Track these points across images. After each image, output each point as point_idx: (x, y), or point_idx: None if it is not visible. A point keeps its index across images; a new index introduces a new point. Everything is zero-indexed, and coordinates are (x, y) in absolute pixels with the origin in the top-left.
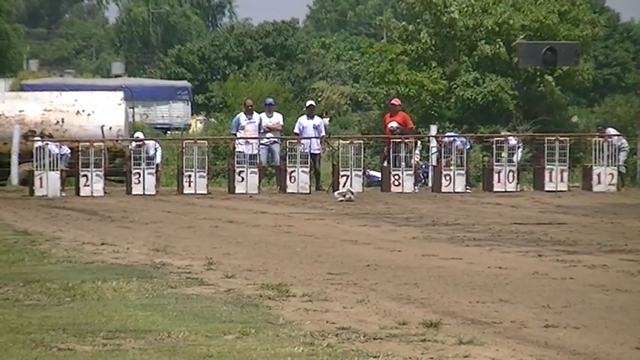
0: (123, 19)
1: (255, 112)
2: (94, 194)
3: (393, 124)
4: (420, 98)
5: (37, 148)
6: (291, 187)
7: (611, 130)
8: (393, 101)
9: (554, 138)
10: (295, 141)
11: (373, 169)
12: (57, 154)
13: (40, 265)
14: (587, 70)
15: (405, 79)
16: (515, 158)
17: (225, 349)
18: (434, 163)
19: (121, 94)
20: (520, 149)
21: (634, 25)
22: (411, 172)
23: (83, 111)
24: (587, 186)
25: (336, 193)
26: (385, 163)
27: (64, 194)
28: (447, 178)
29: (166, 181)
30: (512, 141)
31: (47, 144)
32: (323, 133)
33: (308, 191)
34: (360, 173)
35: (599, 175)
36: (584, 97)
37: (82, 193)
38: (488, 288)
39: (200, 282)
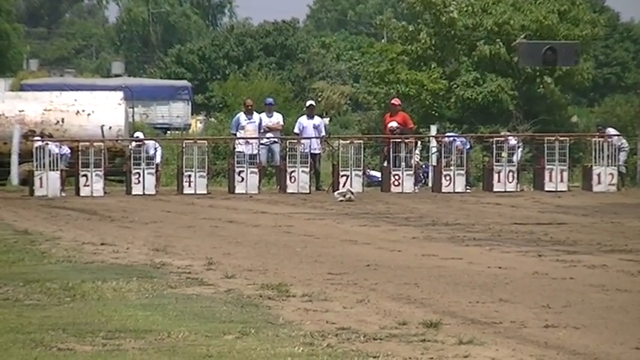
0: (123, 18)
1: (255, 112)
2: (94, 194)
3: (393, 124)
4: (420, 98)
5: (37, 148)
6: (291, 187)
7: (611, 130)
8: (393, 101)
9: (554, 138)
10: (295, 141)
11: (373, 169)
12: (57, 153)
13: (40, 264)
14: (587, 69)
15: (405, 78)
16: (515, 158)
17: (225, 349)
18: (434, 163)
19: (120, 94)
20: (520, 149)
21: (634, 24)
22: (411, 172)
23: (83, 111)
24: (587, 186)
25: (336, 193)
26: (385, 163)
27: (64, 194)
28: (447, 178)
29: (166, 181)
30: (512, 141)
31: (47, 144)
32: (323, 133)
33: (308, 191)
34: (360, 173)
35: (599, 175)
36: (584, 96)
37: (81, 193)
38: (488, 288)
39: (200, 282)
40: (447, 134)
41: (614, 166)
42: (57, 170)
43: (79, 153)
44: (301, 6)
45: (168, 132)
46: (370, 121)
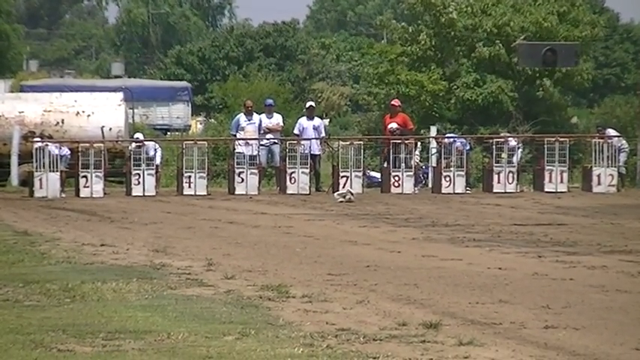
0: (123, 19)
1: (255, 113)
2: (94, 195)
3: (393, 125)
4: (420, 99)
5: (36, 149)
6: (291, 188)
7: (611, 131)
8: (392, 102)
9: (554, 139)
10: (295, 142)
11: (373, 170)
12: (57, 155)
13: (39, 265)
14: (586, 70)
15: (405, 79)
16: (514, 159)
17: (225, 350)
18: (434, 164)
19: (120, 95)
20: (520, 150)
21: (634, 25)
22: (411, 173)
23: (83, 112)
24: (587, 187)
25: (335, 194)
26: (385, 164)
27: (63, 195)
28: (447, 179)
29: (166, 182)
30: (512, 142)
31: (47, 145)
32: (323, 134)
33: (308, 192)
34: (360, 174)
35: (599, 175)
36: (584, 97)
37: (81, 194)
38: (488, 289)
39: (200, 283)
40: (446, 135)
41: (614, 167)
42: (57, 171)
43: (79, 154)
44: (301, 7)
45: (168, 133)
46: (370, 122)
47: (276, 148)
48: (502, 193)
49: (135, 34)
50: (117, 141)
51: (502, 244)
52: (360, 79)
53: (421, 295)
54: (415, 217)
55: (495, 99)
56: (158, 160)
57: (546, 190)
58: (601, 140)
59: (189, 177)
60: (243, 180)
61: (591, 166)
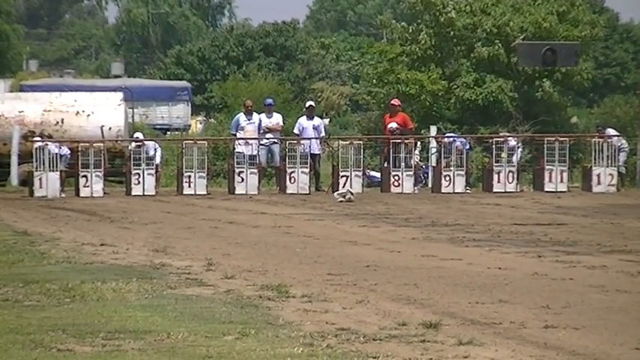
0: (122, 19)
1: (254, 113)
2: (94, 195)
3: (393, 125)
4: (420, 99)
5: (36, 149)
6: (290, 188)
7: (611, 131)
8: (392, 101)
9: (553, 138)
10: (295, 142)
11: (373, 170)
12: (56, 154)
13: (39, 265)
14: (586, 70)
15: (405, 78)
16: (514, 159)
17: (225, 350)
18: (434, 164)
19: (120, 95)
20: (520, 150)
21: (633, 25)
22: (411, 173)
23: (83, 111)
24: (587, 186)
25: (335, 193)
26: (385, 164)
27: (63, 195)
28: (447, 178)
29: (166, 182)
30: (512, 142)
31: (47, 144)
32: (323, 134)
33: (308, 192)
34: (360, 174)
35: (598, 175)
36: (584, 97)
37: (81, 194)
38: (488, 288)
39: (200, 283)
40: (446, 135)
41: (614, 166)
42: (57, 171)
43: (79, 154)
44: (301, 6)
45: (168, 133)
46: (370, 122)
47: (276, 148)
48: (502, 192)
49: (135, 34)
50: (117, 141)
51: (502, 244)
52: (360, 79)
53: (421, 295)
54: (415, 217)
55: (495, 99)
56: (158, 160)
57: (546, 189)
58: (601, 140)
59: (189, 177)
60: (243, 180)
61: (591, 166)
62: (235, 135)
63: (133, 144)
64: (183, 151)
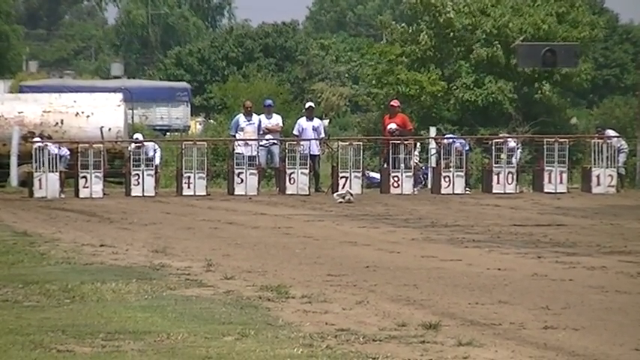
0: (122, 20)
1: (254, 114)
2: (93, 195)
3: (392, 126)
4: (419, 100)
5: (36, 150)
6: (290, 189)
7: (611, 132)
8: (392, 102)
9: (553, 139)
10: (294, 142)
11: (372, 171)
12: (56, 155)
13: (39, 266)
14: (585, 71)
15: (404, 78)
16: (514, 160)
17: (225, 351)
18: (433, 165)
19: (120, 96)
20: (519, 151)
21: (633, 26)
22: (411, 174)
23: (82, 112)
24: (587, 187)
25: (335, 194)
26: (384, 165)
27: (63, 195)
28: (447, 179)
29: (165, 183)
30: (512, 142)
31: (46, 145)
32: (322, 135)
33: (307, 193)
34: (360, 175)
35: (598, 176)
36: (584, 98)
37: (81, 195)
38: (488, 289)
39: (199, 283)
40: (446, 136)
41: (614, 167)
42: (56, 172)
43: (79, 154)
44: (300, 7)
45: (168, 133)
46: (369, 123)
47: (276, 149)
48: (501, 193)
49: (134, 34)
50: (116, 141)
51: (501, 245)
52: (360, 80)
53: (421, 296)
54: (415, 218)
55: (495, 100)
56: (157, 161)
57: (546, 190)
58: (600, 141)
59: (189, 177)
60: (242, 180)
61: (591, 167)
62: (235, 136)
63: (133, 145)
64: (183, 152)
